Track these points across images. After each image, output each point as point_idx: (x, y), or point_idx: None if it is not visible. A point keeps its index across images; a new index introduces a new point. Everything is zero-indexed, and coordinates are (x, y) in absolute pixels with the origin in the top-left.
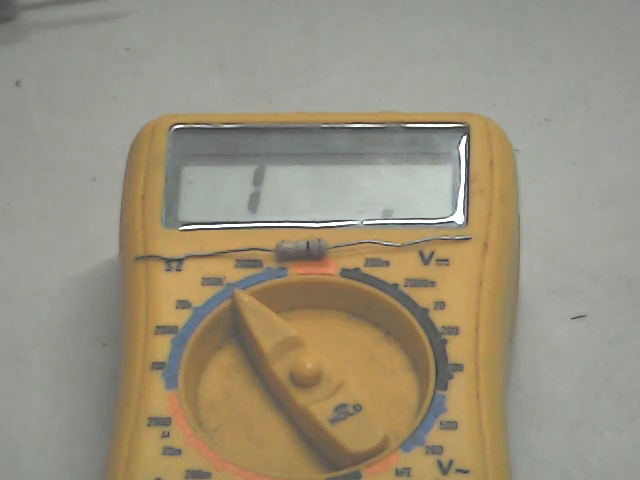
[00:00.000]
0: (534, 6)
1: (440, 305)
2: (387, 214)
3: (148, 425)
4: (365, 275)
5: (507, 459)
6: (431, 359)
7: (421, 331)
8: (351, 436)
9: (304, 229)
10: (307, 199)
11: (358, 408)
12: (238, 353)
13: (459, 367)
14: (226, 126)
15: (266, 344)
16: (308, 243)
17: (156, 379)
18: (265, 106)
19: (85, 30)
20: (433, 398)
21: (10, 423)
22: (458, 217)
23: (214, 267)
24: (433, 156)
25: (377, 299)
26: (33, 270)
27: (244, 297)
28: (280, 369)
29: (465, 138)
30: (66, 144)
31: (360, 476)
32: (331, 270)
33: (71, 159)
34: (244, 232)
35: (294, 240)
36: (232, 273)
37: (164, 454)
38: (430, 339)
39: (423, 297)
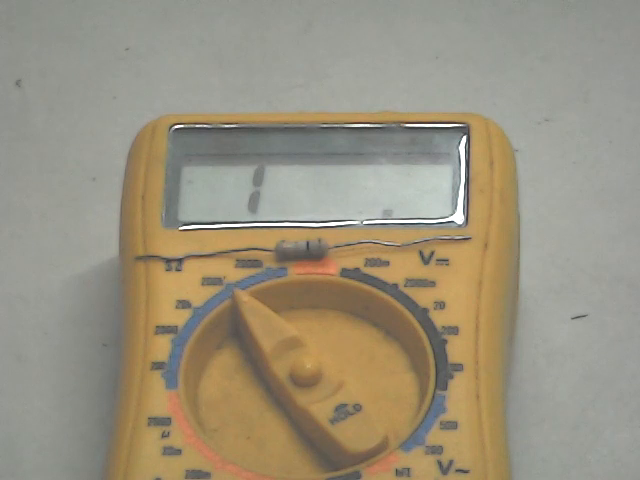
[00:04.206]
0: (534, 6)
1: (440, 305)
2: (387, 214)
3: (148, 425)
4: (365, 275)
5: (507, 459)
6: (431, 359)
7: (421, 331)
8: (351, 436)
9: (304, 229)
10: (307, 199)
11: (358, 408)
12: (238, 353)
13: (459, 367)
14: (226, 126)
15: (266, 344)
16: (308, 243)
17: (156, 379)
18: (265, 106)
19: (85, 30)
20: (433, 398)
21: (10, 423)
22: (458, 217)
23: (214, 267)
24: (433, 156)
25: (377, 299)
26: (33, 270)
27: (244, 297)
28: (280, 369)
29: (465, 138)
30: (66, 144)
31: (360, 476)
32: (331, 270)
33: (71, 159)
34: (244, 232)
35: (294, 240)
36: (232, 273)
37: (164, 454)
38: (430, 339)
39: (423, 297)
